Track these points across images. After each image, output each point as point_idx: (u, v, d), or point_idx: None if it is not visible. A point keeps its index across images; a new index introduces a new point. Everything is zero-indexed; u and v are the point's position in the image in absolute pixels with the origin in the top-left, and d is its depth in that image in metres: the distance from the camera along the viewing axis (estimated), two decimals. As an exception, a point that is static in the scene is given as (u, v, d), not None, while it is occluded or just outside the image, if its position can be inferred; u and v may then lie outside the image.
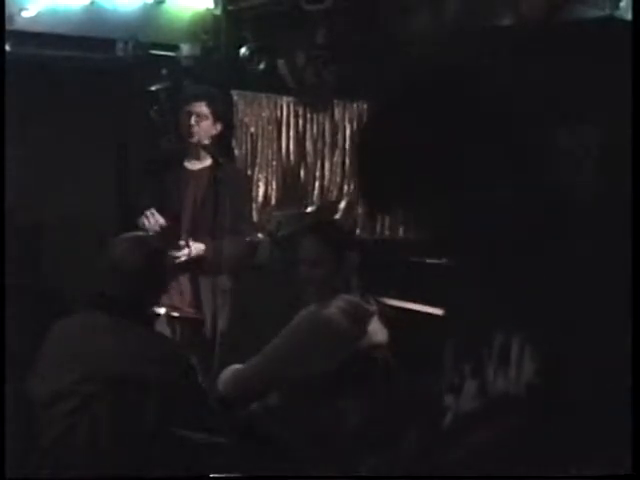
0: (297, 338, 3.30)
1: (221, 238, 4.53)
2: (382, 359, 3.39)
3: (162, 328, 4.35)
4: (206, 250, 4.72)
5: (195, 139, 4.79)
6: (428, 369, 1.47)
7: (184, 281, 4.78)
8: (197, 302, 4.78)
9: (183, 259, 4.66)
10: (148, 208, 4.70)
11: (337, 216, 6.45)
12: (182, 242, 4.69)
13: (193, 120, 4.77)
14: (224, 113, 5.00)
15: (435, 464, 1.37)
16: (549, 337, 1.24)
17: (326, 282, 3.37)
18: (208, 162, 4.86)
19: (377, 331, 3.38)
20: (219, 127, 4.88)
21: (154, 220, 4.62)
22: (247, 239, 5.23)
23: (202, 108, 4.80)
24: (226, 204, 4.42)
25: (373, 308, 3.39)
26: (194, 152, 4.88)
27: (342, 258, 3.40)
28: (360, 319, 3.31)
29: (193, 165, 4.91)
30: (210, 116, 4.81)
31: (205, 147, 4.79)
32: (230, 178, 4.58)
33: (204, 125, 4.80)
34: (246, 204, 5.15)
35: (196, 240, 4.75)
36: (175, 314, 4.47)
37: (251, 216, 6.08)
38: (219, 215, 4.53)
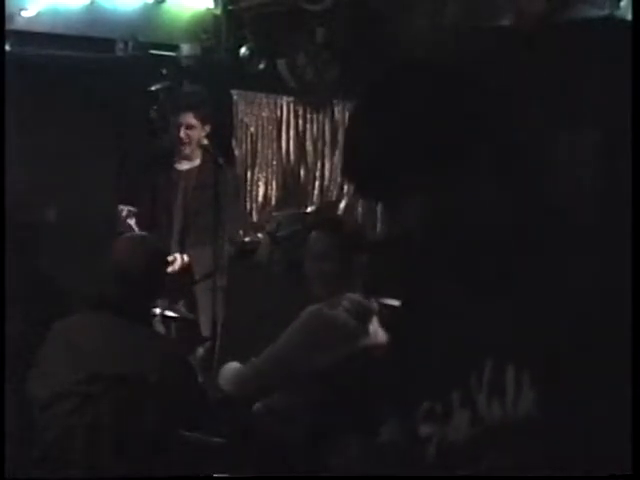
0: (301, 336, 3.29)
1: (211, 236, 4.59)
2: (382, 359, 3.38)
3: (161, 328, 4.36)
4: (193, 258, 4.79)
5: (186, 148, 4.91)
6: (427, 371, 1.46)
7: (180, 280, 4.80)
8: (194, 302, 4.80)
9: (174, 269, 4.70)
10: (139, 208, 4.77)
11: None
12: (171, 257, 4.71)
13: (182, 132, 4.89)
14: (212, 115, 5.07)
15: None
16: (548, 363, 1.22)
17: (331, 278, 3.36)
18: (197, 162, 4.96)
19: (377, 331, 3.38)
20: (208, 129, 4.96)
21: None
22: (247, 239, 5.26)
23: (190, 119, 4.91)
24: (216, 202, 4.47)
25: (375, 307, 3.39)
26: (183, 154, 4.96)
27: (347, 256, 3.39)
28: (363, 318, 3.31)
29: (182, 165, 4.98)
30: (198, 124, 4.92)
31: (204, 147, 4.84)
32: (220, 177, 4.62)
33: (193, 134, 4.92)
34: (237, 201, 5.20)
35: (186, 239, 4.82)
36: (172, 314, 4.47)
37: (250, 215, 6.11)
38: (209, 214, 4.59)
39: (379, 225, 6.85)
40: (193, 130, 4.92)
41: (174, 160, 5.00)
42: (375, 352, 3.36)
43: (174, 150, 5.01)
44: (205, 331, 4.66)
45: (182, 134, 4.89)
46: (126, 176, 5.42)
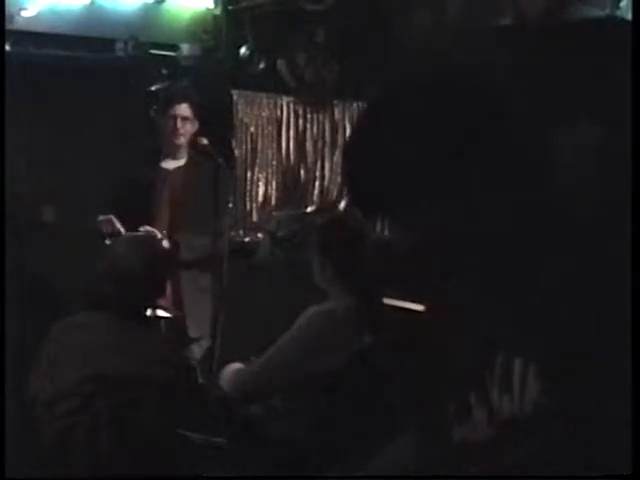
0: (304, 337, 3.29)
1: (198, 235, 4.59)
2: (383, 360, 3.38)
3: (162, 328, 4.35)
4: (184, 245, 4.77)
5: (181, 141, 4.88)
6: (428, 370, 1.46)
7: (179, 281, 4.79)
8: (194, 301, 4.80)
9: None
10: (127, 209, 4.76)
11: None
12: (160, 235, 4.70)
13: (179, 123, 4.85)
14: (202, 111, 5.05)
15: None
16: (553, 354, 1.23)
17: (335, 278, 3.36)
18: (183, 161, 4.94)
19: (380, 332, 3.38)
20: (196, 125, 4.95)
21: (111, 227, 4.66)
22: (247, 239, 5.25)
23: (186, 111, 4.88)
24: (203, 201, 4.47)
25: (378, 308, 3.39)
26: (171, 151, 4.94)
27: (352, 255, 3.39)
28: (364, 318, 3.31)
29: (169, 164, 4.97)
30: (192, 117, 4.90)
31: (204, 146, 4.82)
32: (209, 176, 4.61)
33: (187, 127, 4.89)
34: (222, 200, 5.17)
35: (172, 238, 4.81)
36: (170, 315, 4.47)
37: (250, 215, 6.12)
38: (196, 212, 4.59)
39: (379, 226, 6.85)
40: (187, 122, 4.90)
41: (160, 158, 4.98)
42: (376, 352, 3.37)
43: (160, 148, 4.99)
44: (204, 331, 4.66)
45: (179, 124, 4.87)
46: (123, 176, 5.39)
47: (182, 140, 4.89)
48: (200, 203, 4.59)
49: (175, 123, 4.86)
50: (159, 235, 4.67)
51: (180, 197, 4.90)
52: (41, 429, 3.18)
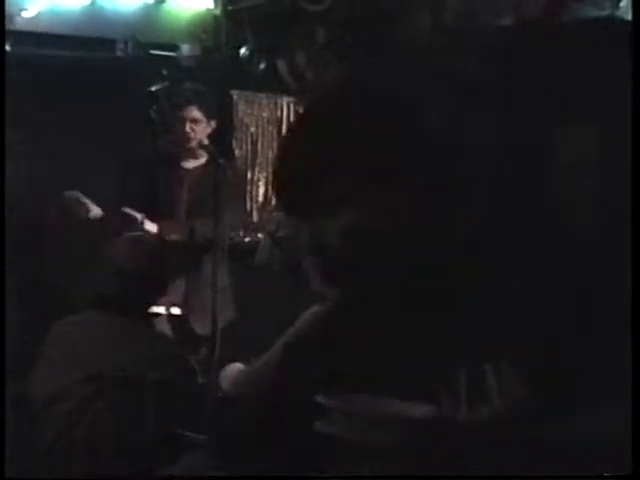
0: (305, 337, 3.29)
1: (203, 235, 4.58)
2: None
3: (162, 328, 4.36)
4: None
5: (193, 144, 4.84)
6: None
7: (180, 280, 4.79)
8: (194, 301, 4.79)
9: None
10: (144, 207, 4.75)
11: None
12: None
13: (188, 127, 4.82)
14: (215, 111, 5.01)
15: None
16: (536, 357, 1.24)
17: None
18: (203, 160, 4.92)
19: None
20: (213, 124, 4.92)
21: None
22: (247, 239, 5.24)
23: (195, 112, 4.85)
24: (217, 202, 4.46)
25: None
26: (190, 151, 4.93)
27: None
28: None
29: (189, 163, 4.96)
30: (203, 118, 4.86)
31: (205, 147, 4.81)
32: (222, 177, 4.60)
33: (199, 129, 4.85)
34: (240, 201, 5.16)
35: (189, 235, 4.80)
36: (173, 313, 4.47)
37: (250, 215, 6.11)
38: (206, 212, 4.58)
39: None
40: (198, 124, 4.87)
41: (180, 158, 4.97)
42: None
43: (179, 148, 4.98)
44: (204, 331, 4.66)
45: (188, 128, 4.84)
46: (129, 176, 5.38)
47: (194, 142, 4.87)
48: (211, 202, 4.59)
49: (184, 126, 4.85)
50: (170, 231, 4.69)
51: (197, 196, 4.89)
52: (41, 429, 3.18)
